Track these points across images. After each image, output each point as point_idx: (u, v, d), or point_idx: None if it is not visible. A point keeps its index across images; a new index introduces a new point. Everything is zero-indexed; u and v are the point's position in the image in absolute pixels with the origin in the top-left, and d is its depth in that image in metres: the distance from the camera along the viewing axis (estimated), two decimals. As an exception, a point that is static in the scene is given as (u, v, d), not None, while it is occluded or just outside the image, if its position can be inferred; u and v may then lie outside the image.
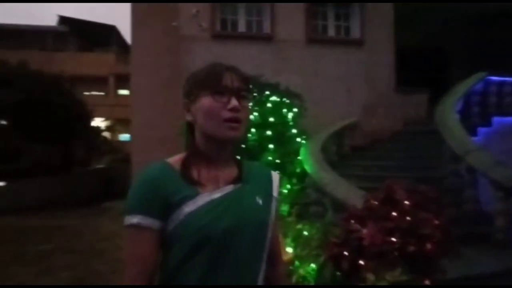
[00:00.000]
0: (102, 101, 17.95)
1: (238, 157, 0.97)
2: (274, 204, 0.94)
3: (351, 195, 3.02)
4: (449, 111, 4.94)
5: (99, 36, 20.45)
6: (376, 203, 2.38)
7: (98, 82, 19.53)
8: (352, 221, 2.27)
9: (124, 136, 17.70)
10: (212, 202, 0.82)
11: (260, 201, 0.89)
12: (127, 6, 9.00)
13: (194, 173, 0.84)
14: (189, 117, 0.88)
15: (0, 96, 9.09)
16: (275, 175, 1.00)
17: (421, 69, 9.15)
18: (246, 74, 0.92)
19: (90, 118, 12.78)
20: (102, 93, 20.29)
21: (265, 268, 0.90)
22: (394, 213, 2.26)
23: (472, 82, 5.79)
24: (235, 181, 0.88)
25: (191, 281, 0.79)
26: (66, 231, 6.07)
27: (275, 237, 0.96)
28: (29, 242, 5.30)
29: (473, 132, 5.40)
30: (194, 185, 0.83)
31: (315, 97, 6.60)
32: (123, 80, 16.47)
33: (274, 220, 0.94)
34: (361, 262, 2.12)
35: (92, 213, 7.58)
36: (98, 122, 14.12)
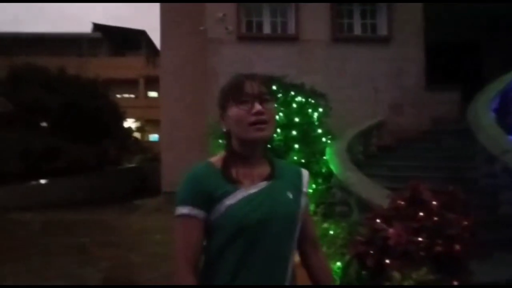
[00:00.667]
0: (133, 103, 18.77)
1: (269, 156, 1.06)
2: (304, 198, 1.04)
3: (377, 195, 3.02)
4: (484, 109, 4.73)
5: (130, 41, 21.38)
6: (402, 203, 2.39)
7: (129, 85, 20.43)
8: (378, 220, 2.30)
9: (154, 136, 18.41)
10: (249, 196, 0.94)
11: (291, 195, 0.99)
12: (156, 11, 9.39)
13: (233, 172, 0.96)
14: (224, 126, 1.00)
15: (43, 100, 9.82)
16: (305, 172, 1.09)
17: (453, 65, 8.77)
18: (266, 78, 1.03)
19: (122, 119, 13.42)
20: (133, 96, 21.20)
21: (307, 255, 1.06)
22: (421, 213, 2.27)
23: (508, 79, 5.51)
24: (268, 177, 0.98)
25: (228, 265, 0.91)
26: (102, 226, 6.47)
27: (310, 227, 1.08)
28: (70, 234, 5.73)
29: (510, 132, 5.14)
30: (233, 182, 0.95)
31: (340, 96, 6.57)
32: (152, 83, 17.14)
33: (306, 212, 1.05)
34: (387, 261, 2.15)
35: (124, 209, 8.01)
36: (129, 123, 14.78)
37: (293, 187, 1.02)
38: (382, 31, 7.25)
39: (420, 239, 2.13)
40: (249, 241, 0.91)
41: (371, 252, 2.20)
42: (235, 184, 0.95)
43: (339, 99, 6.40)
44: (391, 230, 2.16)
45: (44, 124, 10.61)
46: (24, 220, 7.06)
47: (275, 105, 1.01)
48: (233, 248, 0.91)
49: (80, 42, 20.40)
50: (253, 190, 0.95)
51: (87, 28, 23.11)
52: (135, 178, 12.25)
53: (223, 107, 0.99)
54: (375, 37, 7.31)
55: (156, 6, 9.44)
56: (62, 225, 6.64)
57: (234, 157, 0.98)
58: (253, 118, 0.93)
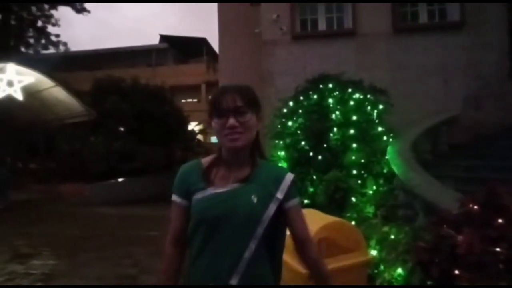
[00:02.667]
0: (195, 107, 19.94)
1: (258, 159, 1.16)
2: (275, 203, 1.09)
3: (445, 198, 2.73)
4: None
5: (193, 48, 22.81)
6: (475, 207, 2.13)
7: (192, 90, 21.78)
8: (445, 226, 2.09)
9: (215, 138, 19.32)
10: (214, 195, 1.08)
11: (255, 199, 1.07)
12: (215, 19, 9.86)
13: (212, 173, 1.12)
14: (213, 133, 1.14)
15: (120, 108, 11.05)
16: (288, 177, 1.14)
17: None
18: (245, 90, 1.10)
19: (186, 122, 14.36)
20: (195, 100, 22.57)
21: (298, 253, 1.15)
22: (500, 220, 2.00)
23: None
24: (243, 180, 1.10)
25: (195, 248, 1.09)
26: (169, 221, 7.02)
27: (297, 226, 1.13)
28: (142, 228, 6.33)
29: None
30: (207, 181, 1.10)
31: (404, 91, 6.09)
32: (213, 87, 18.02)
33: (294, 213, 1.12)
34: (456, 271, 1.93)
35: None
36: (192, 126, 15.74)
37: (262, 192, 1.09)
38: (454, 16, 6.51)
39: (498, 249, 1.88)
40: (206, 233, 1.07)
41: (436, 260, 2.00)
42: (208, 183, 1.10)
43: (402, 94, 5.94)
44: (460, 238, 1.94)
45: (121, 129, 11.90)
46: (104, 214, 8.03)
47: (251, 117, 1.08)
48: (197, 235, 1.08)
49: (149, 53, 22.42)
50: (219, 190, 1.08)
51: (155, 40, 25.29)
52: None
53: (209, 118, 1.13)
54: (445, 24, 6.59)
55: (215, 13, 9.93)
56: (135, 219, 7.37)
57: (219, 160, 1.14)
58: (227, 131, 1.06)
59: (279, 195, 1.10)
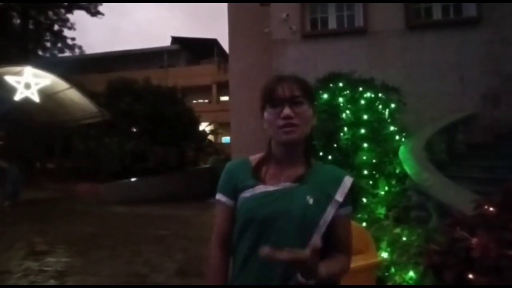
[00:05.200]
0: (206, 108, 20.11)
1: (312, 159, 1.07)
2: (333, 206, 0.99)
3: (460, 199, 2.63)
4: None
5: (204, 49, 22.99)
6: (491, 209, 2.04)
7: (203, 90, 21.96)
8: (458, 228, 2.01)
9: (226, 139, 19.40)
10: (264, 193, 0.99)
11: (311, 200, 0.97)
12: (225, 19, 9.88)
13: (262, 170, 1.03)
14: (265, 127, 1.03)
15: (133, 109, 11.23)
16: (347, 180, 1.04)
17: None
18: (302, 80, 1.01)
19: (198, 123, 14.47)
20: (206, 101, 22.73)
21: (331, 254, 0.99)
22: (517, 223, 1.91)
23: None
24: (296, 180, 1.00)
25: (243, 250, 0.99)
26: (180, 220, 7.07)
27: (340, 233, 1.02)
28: (153, 227, 6.41)
29: None
30: (257, 179, 1.02)
31: (417, 90, 5.95)
32: (224, 88, 18.10)
33: (343, 220, 1.01)
34: (470, 276, 1.86)
35: (201, 206, 8.57)
36: (204, 126, 15.85)
37: (320, 193, 0.99)
38: (470, 11, 6.31)
39: (515, 253, 1.79)
40: (257, 234, 0.97)
41: (450, 264, 1.93)
42: (258, 180, 1.01)
43: (416, 93, 5.79)
44: (475, 240, 1.86)
45: (134, 129, 12.09)
46: (117, 212, 8.17)
47: (307, 107, 0.99)
48: (245, 237, 0.99)
49: (161, 54, 22.73)
50: (270, 188, 0.99)
51: (167, 42, 25.61)
52: (210, 178, 13.06)
53: (261, 109, 1.04)
54: (460, 19, 6.40)
55: (225, 14, 9.95)
56: (147, 218, 7.47)
57: (269, 157, 1.05)
58: (281, 122, 0.96)
59: (339, 197, 1.00)
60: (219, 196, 1.07)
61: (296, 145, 1.00)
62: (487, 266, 1.81)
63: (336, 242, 1.01)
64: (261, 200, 0.98)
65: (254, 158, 1.09)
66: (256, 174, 1.02)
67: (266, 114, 1.01)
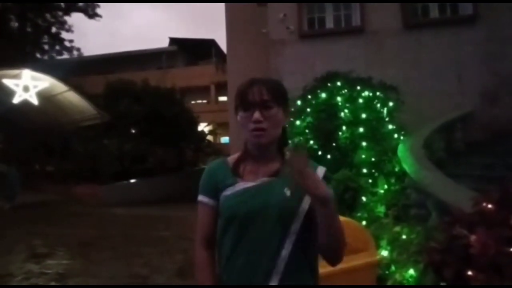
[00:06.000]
0: (205, 108, 20.09)
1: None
2: (308, 196, 1.01)
3: (459, 196, 2.65)
4: None
5: (202, 50, 22.98)
6: (489, 206, 2.06)
7: (202, 91, 21.96)
8: (457, 226, 2.02)
9: (225, 139, 19.40)
10: (244, 189, 1.03)
11: (288, 192, 1.01)
12: (223, 20, 9.90)
13: (240, 168, 1.08)
14: (239, 127, 1.08)
15: (131, 110, 11.23)
16: (319, 171, 1.08)
17: None
18: (273, 83, 1.05)
19: (197, 124, 14.47)
20: (205, 101, 22.72)
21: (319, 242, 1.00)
22: (515, 220, 1.92)
23: None
24: (273, 174, 1.05)
25: (226, 248, 1.03)
26: (180, 221, 7.07)
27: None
28: (154, 228, 6.41)
29: None
30: (237, 177, 1.06)
31: (415, 89, 5.97)
32: (222, 88, 18.09)
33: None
34: (469, 273, 1.87)
35: (200, 207, 8.57)
36: (203, 126, 15.85)
37: (295, 185, 1.01)
38: (467, 10, 6.33)
39: (513, 249, 1.80)
40: (239, 230, 1.00)
41: (449, 261, 1.94)
42: (238, 178, 1.05)
43: (414, 91, 5.82)
44: (473, 238, 1.87)
45: (133, 131, 12.08)
46: (116, 214, 8.17)
47: (276, 111, 1.03)
48: (228, 234, 1.02)
49: (159, 56, 22.72)
50: (250, 184, 1.04)
51: (165, 43, 25.60)
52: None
53: (235, 110, 1.09)
54: (457, 18, 6.42)
55: (223, 14, 9.97)
56: (146, 219, 7.47)
57: (247, 155, 1.09)
58: (252, 126, 1.01)
59: None
60: (201, 198, 1.10)
61: (268, 145, 1.05)
62: (486, 263, 1.82)
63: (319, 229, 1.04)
64: (242, 197, 1.02)
65: (232, 158, 1.13)
66: (235, 172, 1.07)
67: (238, 116, 1.06)
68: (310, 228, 1.01)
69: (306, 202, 1.01)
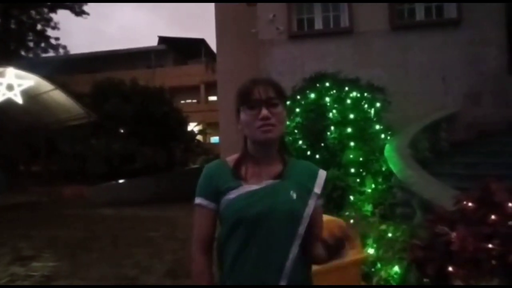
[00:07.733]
0: (195, 108, 20.01)
1: (286, 156, 1.11)
2: (313, 199, 1.05)
3: (442, 195, 2.73)
4: None
5: (191, 49, 22.84)
6: (469, 204, 2.13)
7: (191, 91, 21.84)
8: (439, 224, 2.09)
9: (215, 139, 19.34)
10: (249, 192, 1.01)
11: (294, 195, 1.01)
12: (213, 19, 9.86)
13: (242, 170, 1.05)
14: (240, 127, 1.06)
15: (120, 110, 11.09)
16: (322, 173, 1.10)
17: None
18: (275, 83, 1.06)
19: (186, 123, 14.39)
20: (195, 101, 22.60)
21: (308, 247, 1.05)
22: (493, 217, 2.00)
23: None
24: (276, 176, 1.04)
25: (231, 253, 1.00)
26: (170, 221, 7.04)
27: (318, 225, 1.08)
28: (143, 229, 6.36)
29: None
30: (239, 179, 1.03)
31: (402, 89, 6.09)
32: (212, 88, 18.04)
33: (318, 211, 1.07)
34: (450, 269, 1.94)
35: (190, 207, 8.49)
36: (192, 126, 15.77)
37: (301, 187, 1.04)
38: (451, 13, 6.49)
39: (491, 246, 1.88)
40: (246, 234, 0.98)
41: (432, 258, 2.00)
42: (240, 180, 1.03)
43: (401, 92, 5.93)
44: (454, 235, 1.94)
45: (121, 130, 11.93)
46: (105, 215, 8.07)
47: (282, 109, 1.03)
48: (234, 238, 1.00)
49: (148, 55, 22.47)
50: (254, 187, 1.01)
51: (154, 42, 25.32)
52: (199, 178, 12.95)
53: (237, 111, 1.06)
54: (442, 21, 6.57)
55: (212, 14, 9.93)
56: (135, 220, 7.40)
57: (247, 157, 1.06)
58: (259, 123, 0.99)
59: (317, 190, 1.06)
60: (199, 200, 1.06)
61: (273, 144, 1.05)
62: (466, 259, 1.89)
63: (315, 230, 1.07)
64: (248, 200, 0.99)
65: (230, 159, 1.10)
66: (237, 174, 1.04)
67: (243, 116, 1.03)
68: (309, 230, 1.03)
69: (311, 205, 1.03)
